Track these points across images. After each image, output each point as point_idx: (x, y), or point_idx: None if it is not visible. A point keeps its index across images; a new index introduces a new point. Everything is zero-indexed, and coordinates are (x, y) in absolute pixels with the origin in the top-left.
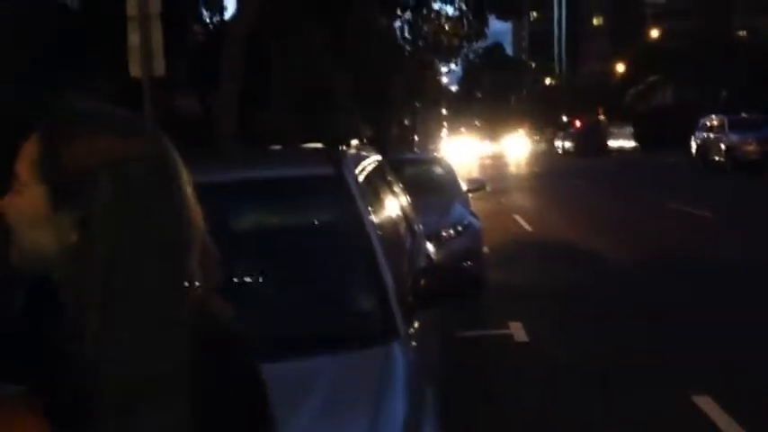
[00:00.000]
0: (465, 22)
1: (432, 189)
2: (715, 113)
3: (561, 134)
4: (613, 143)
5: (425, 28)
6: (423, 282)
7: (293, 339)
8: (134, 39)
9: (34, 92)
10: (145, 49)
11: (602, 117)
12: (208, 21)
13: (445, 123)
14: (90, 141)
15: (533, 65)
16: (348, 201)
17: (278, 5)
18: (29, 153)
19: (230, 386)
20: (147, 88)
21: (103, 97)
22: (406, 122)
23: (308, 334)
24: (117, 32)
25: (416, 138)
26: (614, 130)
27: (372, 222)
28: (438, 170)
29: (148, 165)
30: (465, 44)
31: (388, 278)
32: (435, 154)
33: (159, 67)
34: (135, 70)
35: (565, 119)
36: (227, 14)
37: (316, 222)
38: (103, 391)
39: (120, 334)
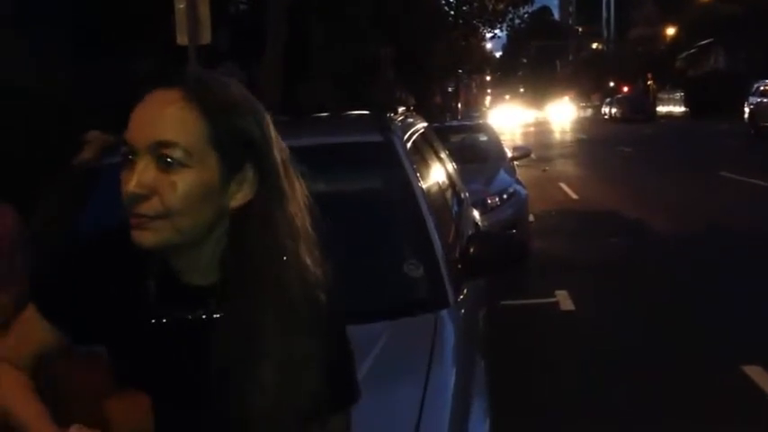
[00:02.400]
0: None
1: (477, 156)
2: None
3: (608, 100)
4: (662, 109)
5: None
6: (471, 249)
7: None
8: (181, 7)
9: (81, 70)
10: (192, 18)
11: (650, 83)
12: None
13: (490, 90)
14: (236, 102)
15: (580, 30)
16: (397, 167)
17: None
18: (186, 122)
19: (338, 342)
20: (193, 57)
21: (149, 68)
22: (450, 90)
23: (357, 301)
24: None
25: (460, 105)
26: (664, 95)
27: (422, 189)
28: (483, 137)
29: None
30: (511, 9)
31: (438, 245)
32: (480, 121)
33: (206, 35)
34: (182, 39)
35: (612, 85)
36: None
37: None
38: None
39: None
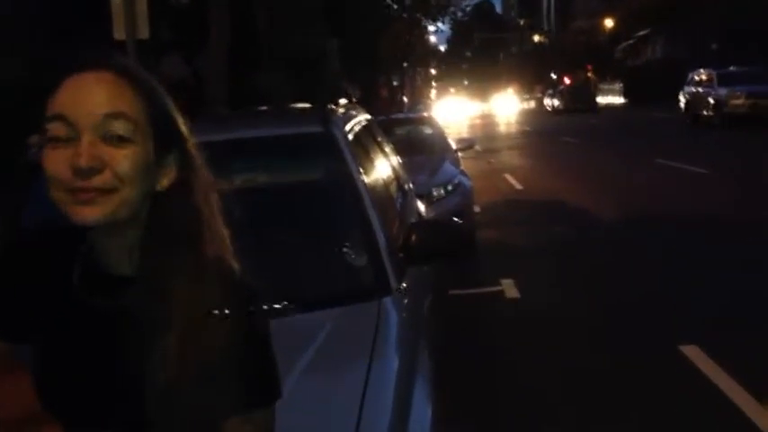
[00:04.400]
0: None
1: (421, 148)
2: (704, 67)
3: (550, 92)
4: (603, 100)
5: None
6: (414, 238)
7: (284, 295)
8: (117, 1)
9: (13, 62)
10: (128, 12)
11: (590, 74)
12: None
13: (434, 83)
14: (159, 87)
15: (522, 22)
16: (338, 158)
17: None
18: (128, 98)
19: (254, 337)
20: (132, 52)
21: None
22: (395, 83)
23: (300, 290)
24: None
25: (405, 98)
26: (604, 86)
27: (363, 179)
28: (427, 130)
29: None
30: (452, 1)
31: (380, 234)
32: (424, 114)
33: (143, 30)
34: (119, 33)
35: (554, 76)
36: None
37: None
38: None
39: (174, 276)
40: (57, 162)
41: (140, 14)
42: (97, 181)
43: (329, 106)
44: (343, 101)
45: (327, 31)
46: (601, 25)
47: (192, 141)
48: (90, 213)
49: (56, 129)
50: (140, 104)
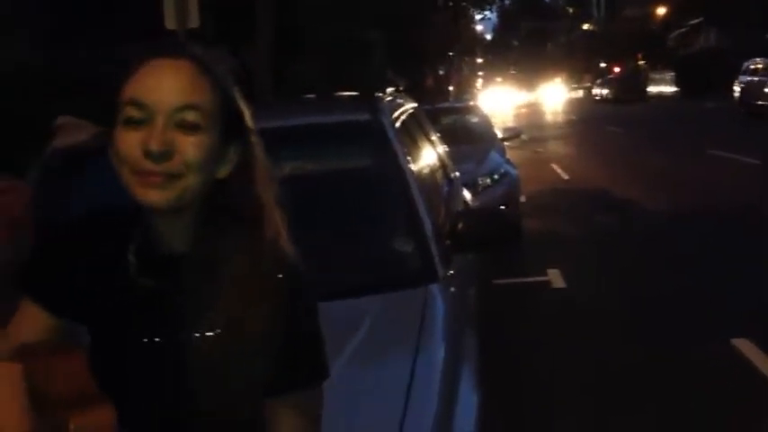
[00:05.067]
0: None
1: (467, 137)
2: (760, 56)
3: (599, 81)
4: (653, 89)
5: None
6: (460, 225)
7: (332, 282)
8: None
9: (67, 54)
10: (180, 2)
11: (641, 62)
12: None
13: (481, 73)
14: (230, 78)
15: (571, 10)
16: (385, 146)
17: None
18: (203, 89)
19: (303, 320)
20: (182, 41)
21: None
22: (441, 72)
23: (348, 276)
24: None
25: (451, 87)
26: (655, 75)
27: (410, 167)
28: (473, 119)
29: None
30: None
31: (427, 221)
32: (470, 103)
33: (194, 20)
34: (171, 23)
35: (603, 65)
36: None
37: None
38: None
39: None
40: (129, 143)
41: (191, 4)
42: (166, 166)
43: (377, 94)
44: (390, 89)
45: (371, 21)
46: (652, 13)
47: (254, 130)
48: (156, 197)
49: (131, 111)
50: (212, 94)
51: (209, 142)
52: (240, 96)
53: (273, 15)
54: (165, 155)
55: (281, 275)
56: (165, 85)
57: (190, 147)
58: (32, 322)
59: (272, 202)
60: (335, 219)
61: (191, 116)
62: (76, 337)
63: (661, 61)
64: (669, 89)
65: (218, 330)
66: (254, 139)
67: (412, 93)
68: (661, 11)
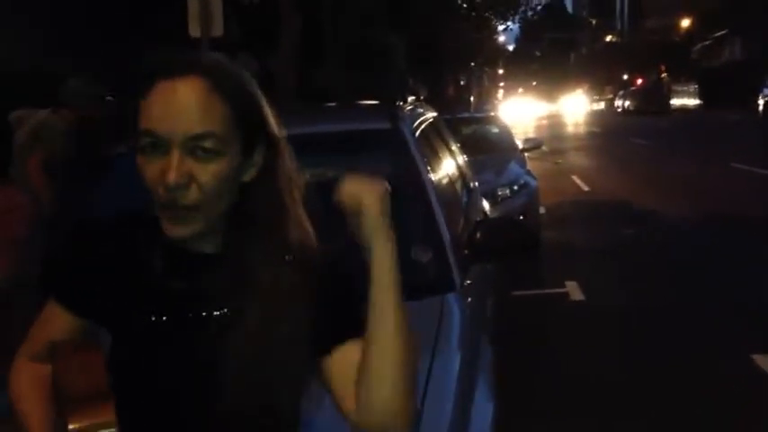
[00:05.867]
0: None
1: (487, 148)
2: None
3: (621, 93)
4: (676, 101)
5: None
6: (478, 235)
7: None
8: (193, 0)
9: (91, 61)
10: (204, 10)
11: (664, 75)
12: None
13: (502, 83)
14: (247, 84)
15: (594, 22)
16: (405, 154)
17: None
18: (216, 111)
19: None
20: (206, 49)
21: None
22: (462, 82)
23: (364, 283)
24: None
25: (473, 98)
26: (678, 87)
27: (429, 176)
28: (494, 129)
29: None
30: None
31: (445, 231)
32: (491, 113)
33: (218, 28)
34: (195, 31)
35: (626, 77)
36: None
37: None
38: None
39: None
40: (149, 173)
41: (215, 12)
42: (184, 198)
43: (397, 103)
44: (411, 98)
45: (392, 29)
46: (675, 25)
47: (277, 130)
48: (179, 231)
49: (147, 141)
50: (228, 111)
51: (226, 165)
52: (262, 100)
53: (297, 21)
54: (182, 185)
55: (307, 276)
56: (177, 113)
57: (207, 175)
58: (58, 323)
59: (297, 205)
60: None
61: (206, 144)
62: (97, 336)
63: (684, 73)
64: (692, 101)
65: (247, 332)
66: (278, 142)
67: (433, 102)
68: (685, 23)
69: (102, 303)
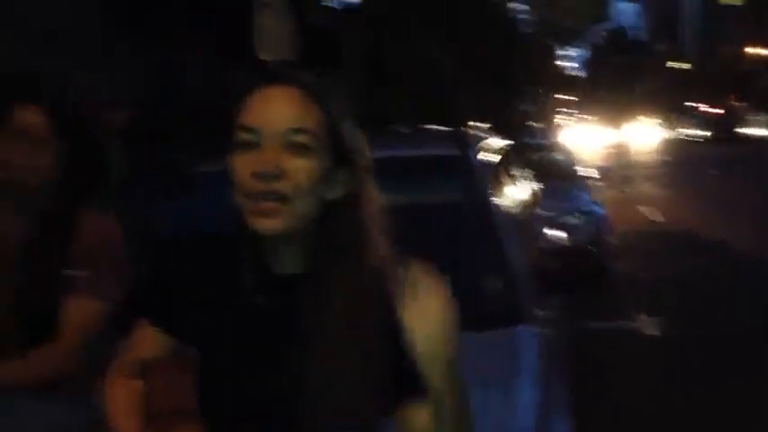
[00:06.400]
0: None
1: (553, 175)
2: None
3: (691, 121)
4: (748, 130)
5: (545, 10)
6: (548, 265)
7: None
8: (263, 23)
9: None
10: (273, 34)
11: (734, 103)
12: (331, 4)
13: (566, 109)
14: (340, 103)
15: (661, 48)
16: (473, 181)
17: None
18: (313, 113)
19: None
20: (291, 68)
21: (234, 81)
22: (526, 108)
23: None
24: (243, 17)
25: (536, 123)
26: (750, 116)
27: (498, 203)
28: (558, 156)
29: None
30: (587, 26)
31: (515, 259)
32: (556, 139)
33: (286, 50)
34: (264, 54)
35: (695, 105)
36: None
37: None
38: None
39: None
40: (240, 166)
41: (282, 34)
42: (274, 186)
43: (464, 129)
44: (477, 124)
45: (457, 56)
46: (747, 52)
47: (364, 156)
48: (268, 224)
49: (242, 136)
50: (321, 119)
51: (317, 165)
52: (350, 123)
53: (360, 43)
54: (274, 176)
55: (384, 299)
56: (274, 110)
57: (299, 169)
58: (147, 341)
59: (378, 230)
60: (421, 254)
61: (300, 138)
62: (186, 354)
63: (756, 102)
64: (764, 131)
65: (329, 354)
66: (365, 164)
67: (498, 128)
68: (756, 50)
69: (191, 323)
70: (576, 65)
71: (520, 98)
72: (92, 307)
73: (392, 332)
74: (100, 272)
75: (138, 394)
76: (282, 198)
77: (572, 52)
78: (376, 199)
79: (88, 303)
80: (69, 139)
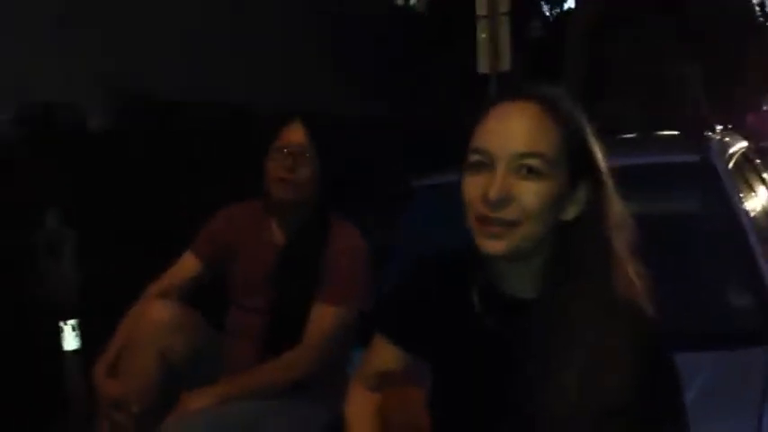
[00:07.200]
0: None
1: None
2: None
3: None
4: None
5: None
6: None
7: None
8: (483, 36)
9: (389, 100)
10: (493, 46)
11: None
12: (548, 14)
13: None
14: (580, 117)
15: None
16: (718, 188)
17: None
18: (548, 134)
19: (662, 382)
20: (494, 83)
21: (449, 94)
22: (765, 108)
23: (681, 327)
24: (461, 33)
25: None
26: None
27: (746, 212)
28: None
29: None
30: None
31: (767, 271)
32: None
33: (505, 63)
34: (483, 67)
35: None
36: (567, 6)
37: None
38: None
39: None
40: (471, 188)
41: (503, 48)
42: (503, 213)
43: (705, 133)
44: (718, 127)
45: (686, 56)
46: None
47: (605, 171)
48: (495, 247)
49: (474, 157)
50: (559, 138)
51: (550, 189)
52: (592, 134)
53: (585, 53)
54: (503, 202)
55: (633, 333)
56: (508, 131)
57: (529, 194)
58: (385, 355)
59: (624, 250)
60: (662, 266)
61: (533, 162)
62: (418, 371)
63: None
64: None
65: (563, 386)
66: (605, 179)
67: (735, 129)
68: None
69: (427, 342)
70: None
71: (758, 98)
72: (338, 314)
73: (647, 387)
74: (347, 282)
75: (376, 406)
76: (510, 223)
77: None
78: (619, 215)
79: (335, 311)
80: (324, 157)
